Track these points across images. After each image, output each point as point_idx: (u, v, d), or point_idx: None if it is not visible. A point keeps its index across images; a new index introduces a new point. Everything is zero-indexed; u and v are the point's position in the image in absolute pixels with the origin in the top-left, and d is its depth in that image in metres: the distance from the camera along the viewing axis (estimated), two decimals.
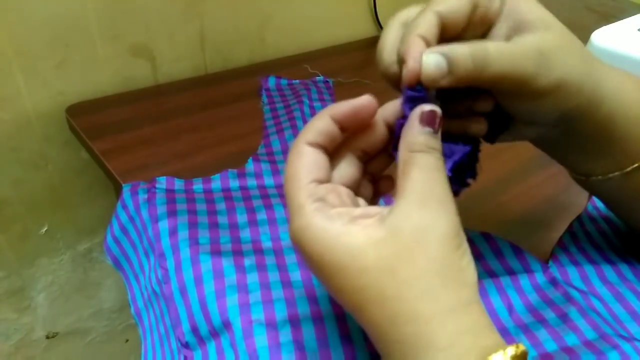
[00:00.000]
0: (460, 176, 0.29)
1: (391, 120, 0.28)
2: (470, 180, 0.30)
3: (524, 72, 0.26)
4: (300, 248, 0.25)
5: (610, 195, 0.35)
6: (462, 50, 0.26)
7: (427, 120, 0.25)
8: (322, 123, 0.26)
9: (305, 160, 0.26)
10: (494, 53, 0.26)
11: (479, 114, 0.30)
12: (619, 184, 0.32)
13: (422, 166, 0.24)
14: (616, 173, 0.32)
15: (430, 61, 0.25)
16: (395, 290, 0.22)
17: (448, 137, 0.27)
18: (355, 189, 0.28)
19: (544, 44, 0.27)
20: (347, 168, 0.28)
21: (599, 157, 0.32)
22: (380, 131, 0.28)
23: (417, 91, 0.26)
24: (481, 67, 0.26)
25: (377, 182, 0.30)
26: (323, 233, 0.24)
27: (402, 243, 0.23)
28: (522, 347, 0.21)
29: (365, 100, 0.27)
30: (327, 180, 0.26)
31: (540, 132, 0.32)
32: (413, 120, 0.26)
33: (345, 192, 0.27)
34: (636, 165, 0.31)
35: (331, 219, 0.24)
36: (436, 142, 0.25)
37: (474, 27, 0.29)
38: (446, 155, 0.27)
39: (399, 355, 0.23)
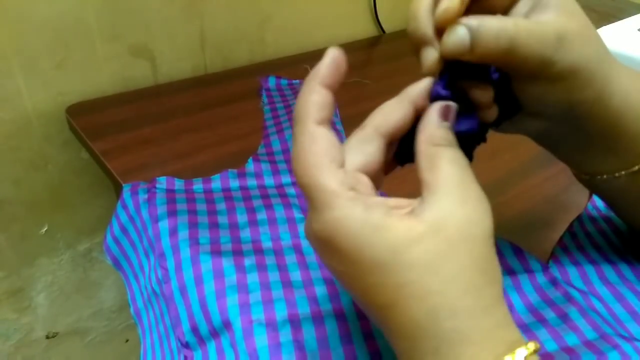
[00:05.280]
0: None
1: (420, 102, 0.27)
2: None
3: (543, 56, 0.26)
4: (331, 243, 0.23)
5: (615, 195, 0.35)
6: (489, 25, 0.24)
7: (445, 114, 0.25)
8: (319, 96, 0.24)
9: (323, 144, 0.23)
10: (524, 34, 0.25)
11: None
12: (624, 183, 0.32)
13: (451, 160, 0.24)
14: (622, 172, 0.31)
15: (456, 34, 0.25)
16: (440, 285, 0.22)
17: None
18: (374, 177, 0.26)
19: (564, 29, 0.26)
20: (377, 154, 0.26)
21: (605, 156, 0.31)
22: (410, 112, 0.27)
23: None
24: (505, 48, 0.25)
25: None
26: (362, 227, 0.22)
27: (446, 239, 0.22)
28: (538, 344, 0.22)
29: (335, 52, 0.24)
30: (343, 164, 0.24)
31: (546, 127, 0.31)
32: (432, 113, 0.25)
33: (366, 180, 0.24)
34: None
35: (370, 210, 0.22)
36: (454, 139, 0.25)
37: None
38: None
39: (428, 351, 0.22)
